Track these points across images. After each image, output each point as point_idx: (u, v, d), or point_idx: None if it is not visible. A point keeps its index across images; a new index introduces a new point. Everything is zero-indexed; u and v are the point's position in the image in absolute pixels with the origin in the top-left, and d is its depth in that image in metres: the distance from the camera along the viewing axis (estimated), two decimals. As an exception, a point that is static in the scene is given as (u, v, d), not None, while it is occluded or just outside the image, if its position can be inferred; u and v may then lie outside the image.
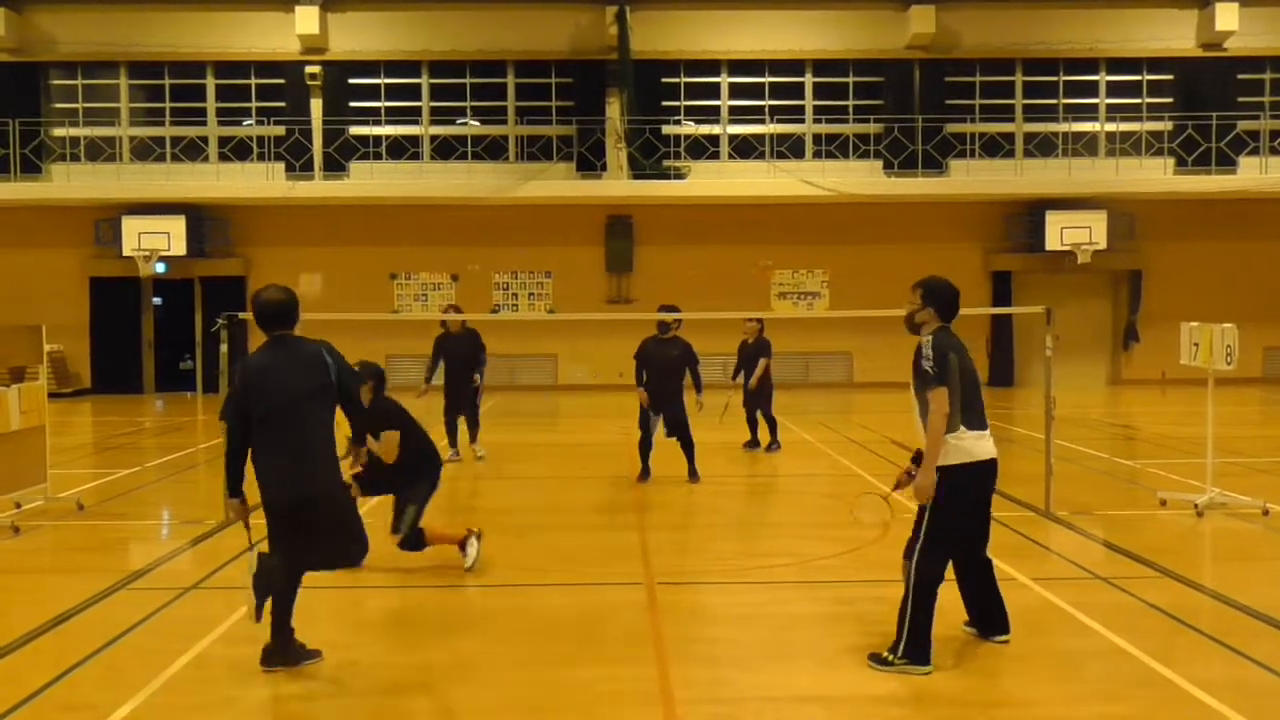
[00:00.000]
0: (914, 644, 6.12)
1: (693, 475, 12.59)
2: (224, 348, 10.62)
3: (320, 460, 6.14)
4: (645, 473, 12.63)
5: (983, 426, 6.29)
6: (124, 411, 22.10)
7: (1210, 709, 5.57)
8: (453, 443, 14.14)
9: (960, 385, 6.19)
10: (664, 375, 12.48)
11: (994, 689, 5.94)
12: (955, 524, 6.23)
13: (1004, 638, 6.58)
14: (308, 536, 6.12)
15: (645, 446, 12.65)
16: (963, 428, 6.18)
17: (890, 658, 6.16)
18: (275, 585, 6.15)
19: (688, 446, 12.64)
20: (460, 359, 14.18)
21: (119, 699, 5.76)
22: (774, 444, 14.87)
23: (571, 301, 25.85)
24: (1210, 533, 9.98)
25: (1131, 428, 18.69)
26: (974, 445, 6.21)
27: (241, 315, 10.06)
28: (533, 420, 20.90)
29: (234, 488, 6.23)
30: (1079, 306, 25.93)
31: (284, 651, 6.19)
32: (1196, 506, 10.49)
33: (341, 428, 6.36)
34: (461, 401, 14.24)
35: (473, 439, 14.45)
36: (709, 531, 10.51)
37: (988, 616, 6.63)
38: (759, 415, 14.93)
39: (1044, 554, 9.18)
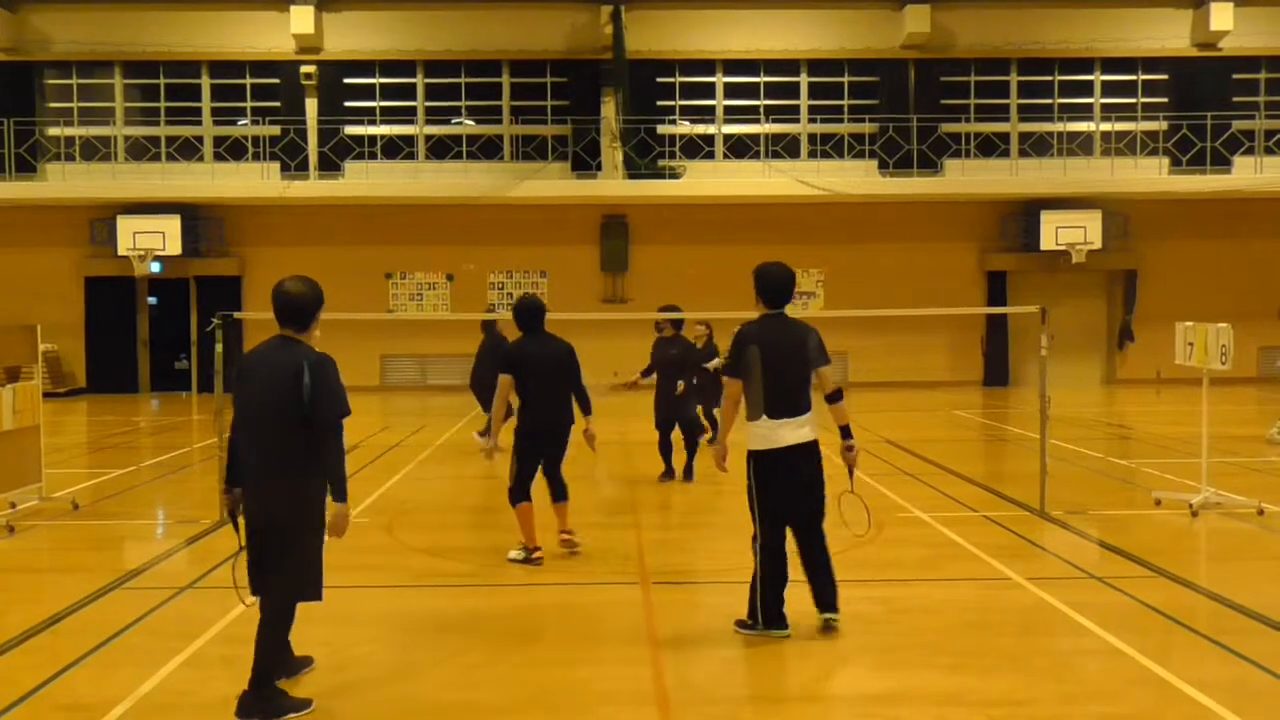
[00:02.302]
0: (769, 613, 6.64)
1: (688, 474, 12.66)
2: (219, 347, 10.57)
3: (276, 485, 5.52)
4: (669, 472, 12.74)
5: (788, 415, 6.58)
6: (119, 411, 22.07)
7: (1206, 708, 5.58)
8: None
9: (764, 377, 6.53)
10: (667, 376, 12.75)
11: (990, 688, 5.94)
12: (768, 502, 6.66)
13: (831, 616, 6.78)
14: (264, 562, 5.62)
15: (666, 447, 12.78)
16: (765, 416, 6.55)
17: (752, 623, 6.71)
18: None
19: (691, 446, 12.78)
20: None
21: (114, 698, 5.76)
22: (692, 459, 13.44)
23: (567, 301, 25.76)
24: (1205, 532, 9.99)
25: (1126, 427, 18.70)
26: (772, 433, 6.56)
27: (236, 315, 10.05)
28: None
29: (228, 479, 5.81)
30: (1074, 306, 25.94)
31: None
32: (1191, 506, 10.50)
33: None
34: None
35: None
36: (705, 531, 10.52)
37: (816, 593, 6.85)
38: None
39: (1039, 554, 9.19)
